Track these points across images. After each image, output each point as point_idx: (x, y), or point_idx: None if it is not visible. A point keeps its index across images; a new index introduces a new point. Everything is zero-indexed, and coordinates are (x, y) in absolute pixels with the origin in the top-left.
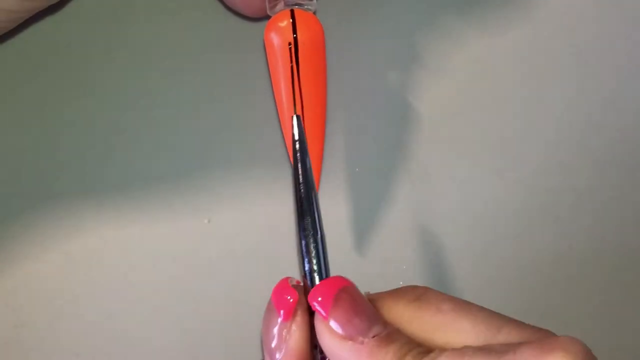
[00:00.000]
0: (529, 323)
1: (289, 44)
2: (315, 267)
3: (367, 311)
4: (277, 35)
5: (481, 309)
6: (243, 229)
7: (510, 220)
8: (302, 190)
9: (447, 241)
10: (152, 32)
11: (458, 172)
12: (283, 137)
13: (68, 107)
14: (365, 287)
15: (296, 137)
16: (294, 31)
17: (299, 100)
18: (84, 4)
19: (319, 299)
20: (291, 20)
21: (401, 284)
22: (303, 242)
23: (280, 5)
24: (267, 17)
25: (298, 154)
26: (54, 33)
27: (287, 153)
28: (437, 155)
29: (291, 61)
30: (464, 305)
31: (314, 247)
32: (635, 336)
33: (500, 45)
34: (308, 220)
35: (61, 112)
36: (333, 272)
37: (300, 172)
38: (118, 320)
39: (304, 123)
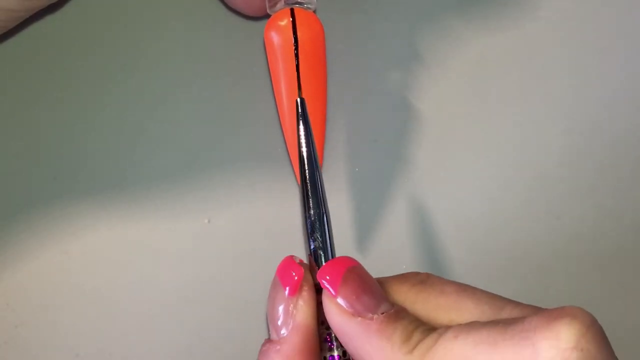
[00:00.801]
0: None
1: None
2: (320, 246)
3: (375, 289)
4: (277, 34)
5: (483, 291)
6: (243, 229)
7: (511, 220)
8: (306, 170)
9: (447, 241)
10: (152, 31)
11: (458, 172)
12: (283, 136)
13: (68, 106)
14: None
15: (300, 118)
16: (294, 30)
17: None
18: (84, 3)
19: (327, 277)
20: (291, 19)
21: None
22: (308, 222)
23: (281, 4)
24: (267, 16)
25: (302, 134)
26: (54, 32)
27: (288, 152)
28: (438, 155)
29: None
30: (466, 287)
31: (319, 226)
32: (635, 337)
33: (501, 44)
34: (313, 199)
35: (61, 111)
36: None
37: (304, 151)
38: (118, 320)
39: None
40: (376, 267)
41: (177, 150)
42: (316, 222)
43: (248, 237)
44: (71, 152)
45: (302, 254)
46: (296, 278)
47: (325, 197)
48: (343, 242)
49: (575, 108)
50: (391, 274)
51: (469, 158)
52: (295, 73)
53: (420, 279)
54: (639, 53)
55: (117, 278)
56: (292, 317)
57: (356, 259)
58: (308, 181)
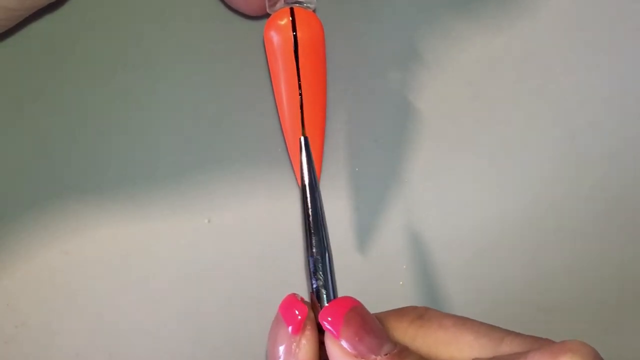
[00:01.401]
0: (529, 321)
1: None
2: (322, 285)
3: (377, 330)
4: (277, 33)
5: (481, 323)
6: (243, 229)
7: (512, 219)
8: (310, 210)
9: (447, 241)
10: (152, 30)
11: (458, 172)
12: (283, 135)
13: (67, 106)
14: (365, 286)
15: (304, 160)
16: (294, 29)
17: (299, 98)
18: (84, 2)
19: (329, 318)
20: (291, 18)
21: (401, 284)
22: (311, 260)
23: (280, 4)
24: (267, 16)
25: (306, 175)
26: (53, 31)
27: (287, 152)
28: (438, 155)
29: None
30: (465, 321)
31: (321, 266)
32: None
33: (501, 44)
34: (316, 239)
35: (60, 111)
36: (335, 273)
37: (308, 192)
38: (118, 320)
39: (303, 124)
40: (376, 268)
41: (176, 150)
42: (319, 262)
43: (248, 237)
44: (70, 152)
45: (301, 255)
46: (300, 317)
47: (328, 236)
48: (343, 242)
49: (576, 107)
50: (390, 274)
51: (469, 158)
52: (295, 72)
53: (418, 314)
54: (638, 52)
55: (117, 278)
56: (295, 356)
57: (356, 259)
58: (311, 221)
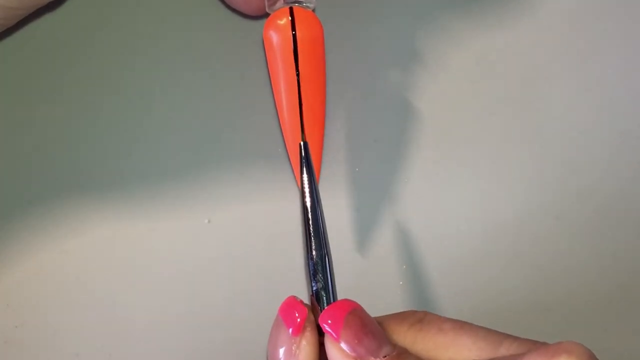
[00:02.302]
0: (529, 321)
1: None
2: (322, 287)
3: (376, 332)
4: (276, 33)
5: (480, 327)
6: (243, 229)
7: (512, 219)
8: (309, 214)
9: (447, 241)
10: (152, 30)
11: (459, 172)
12: (282, 135)
13: (67, 105)
14: (365, 286)
15: (303, 165)
16: (293, 29)
17: (298, 98)
18: (83, 1)
19: (329, 321)
20: (290, 18)
21: (401, 284)
22: (311, 263)
23: (280, 3)
24: (266, 15)
25: (305, 180)
26: (52, 31)
27: (287, 151)
28: (438, 155)
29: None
30: (463, 324)
31: (321, 269)
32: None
33: (501, 44)
34: (316, 242)
35: (60, 110)
36: (335, 273)
37: (308, 197)
38: (118, 320)
39: (303, 123)
40: (376, 268)
41: (176, 150)
42: (318, 264)
43: (248, 237)
44: (70, 152)
45: (301, 254)
46: (299, 320)
47: (328, 239)
48: (343, 242)
49: (576, 106)
50: (390, 274)
51: (469, 158)
52: (295, 72)
53: (417, 318)
54: (638, 52)
55: (116, 278)
56: (295, 357)
57: (356, 259)
58: (311, 224)
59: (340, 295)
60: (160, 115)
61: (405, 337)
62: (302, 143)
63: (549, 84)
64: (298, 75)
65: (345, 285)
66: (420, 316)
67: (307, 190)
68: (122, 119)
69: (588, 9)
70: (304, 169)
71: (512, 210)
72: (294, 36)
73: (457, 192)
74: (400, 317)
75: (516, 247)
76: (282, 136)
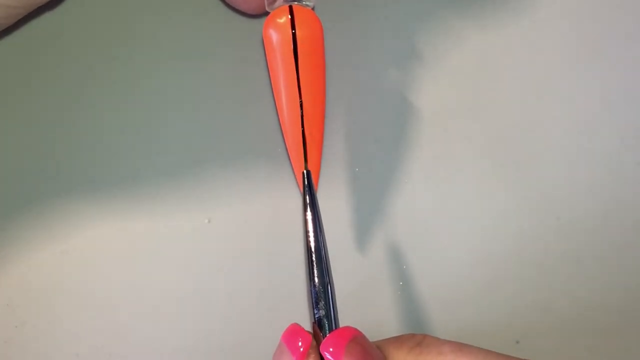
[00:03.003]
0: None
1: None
2: (325, 315)
3: (378, 359)
4: (276, 31)
5: (479, 349)
6: (243, 229)
7: (511, 218)
8: (312, 242)
9: (447, 241)
10: (152, 29)
11: (459, 171)
12: (282, 134)
13: (66, 105)
14: (365, 286)
15: (306, 191)
16: (293, 27)
17: (299, 97)
18: (83, 0)
19: (331, 349)
20: (290, 16)
21: (401, 284)
22: (313, 291)
23: (279, 2)
24: (266, 14)
25: (308, 207)
26: (52, 30)
27: (287, 151)
28: (438, 155)
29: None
30: (462, 347)
31: (323, 296)
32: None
33: (501, 43)
34: (318, 270)
35: (60, 110)
36: (335, 273)
37: (310, 224)
38: (118, 320)
39: (303, 120)
40: (376, 268)
41: (176, 150)
42: (321, 292)
43: (248, 237)
44: (70, 152)
45: (301, 255)
46: (302, 349)
47: (330, 267)
48: (343, 242)
49: (575, 105)
50: (390, 274)
51: (469, 157)
52: (294, 70)
53: (416, 341)
54: (638, 51)
55: (116, 278)
56: None
57: (356, 259)
58: (314, 252)
59: (340, 295)
60: (160, 115)
61: None
62: (304, 172)
63: (549, 83)
64: (298, 73)
65: (345, 286)
66: (419, 339)
67: (309, 218)
68: (122, 119)
69: (588, 9)
70: (307, 197)
71: (512, 210)
72: (294, 35)
73: (457, 192)
74: (399, 341)
75: (517, 244)
76: (282, 135)
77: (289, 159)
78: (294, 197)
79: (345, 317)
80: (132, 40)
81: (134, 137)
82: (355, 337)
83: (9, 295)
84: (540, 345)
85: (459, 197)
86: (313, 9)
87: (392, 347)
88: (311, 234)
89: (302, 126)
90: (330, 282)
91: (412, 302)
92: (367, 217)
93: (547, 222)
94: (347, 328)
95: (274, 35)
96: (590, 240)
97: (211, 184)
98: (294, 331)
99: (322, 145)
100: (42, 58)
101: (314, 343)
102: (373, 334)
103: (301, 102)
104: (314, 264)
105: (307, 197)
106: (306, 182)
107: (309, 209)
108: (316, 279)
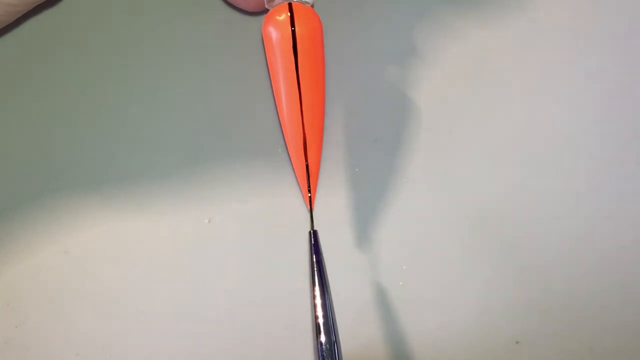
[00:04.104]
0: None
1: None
2: None
3: None
4: (275, 29)
5: None
6: (243, 228)
7: (511, 217)
8: (319, 302)
9: (447, 240)
10: (151, 27)
11: (458, 171)
12: (282, 133)
13: (67, 103)
14: (365, 286)
15: (312, 251)
16: (292, 25)
17: (298, 94)
18: None
19: None
20: (289, 13)
21: (401, 284)
22: (320, 350)
23: None
24: (265, 11)
25: (316, 275)
26: (52, 27)
27: (287, 150)
28: (438, 154)
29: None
30: None
31: (330, 355)
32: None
33: (501, 41)
34: (325, 329)
35: (60, 108)
36: (335, 274)
37: (317, 291)
38: (118, 320)
39: (303, 120)
40: (376, 268)
41: (176, 149)
42: (327, 351)
43: (248, 237)
44: (69, 151)
45: (301, 254)
46: None
47: (337, 326)
48: (343, 242)
49: (575, 103)
50: (391, 274)
51: (469, 157)
52: (294, 68)
53: None
54: (638, 49)
55: (117, 278)
56: None
57: (356, 259)
58: (322, 322)
59: (339, 297)
60: (160, 114)
61: None
62: (311, 231)
63: (548, 81)
64: (297, 71)
65: (345, 286)
66: None
67: (317, 284)
68: (122, 118)
69: (587, 6)
70: (313, 257)
71: (512, 209)
72: (293, 32)
73: (457, 192)
74: None
75: (517, 244)
76: (282, 134)
77: (289, 158)
78: (294, 197)
79: (345, 317)
80: (131, 39)
81: (134, 137)
82: None
83: (9, 295)
84: (540, 345)
85: (459, 197)
86: (312, 6)
87: None
88: (318, 295)
89: (302, 124)
90: (337, 341)
91: (412, 302)
92: (367, 217)
93: (547, 222)
94: None
95: (273, 33)
96: (590, 240)
97: (211, 184)
98: None
99: (322, 143)
100: (42, 56)
101: None
102: (372, 333)
103: (301, 100)
104: (321, 323)
105: (314, 257)
106: (313, 242)
107: (317, 276)
108: (323, 338)
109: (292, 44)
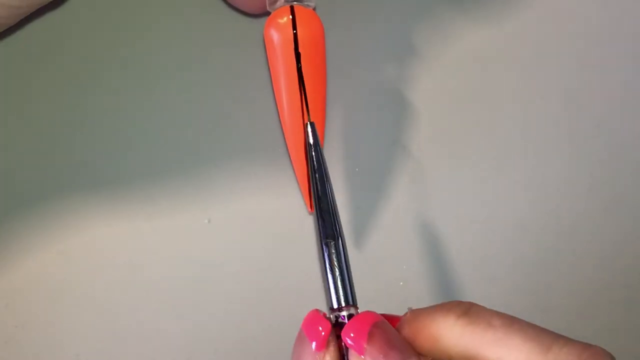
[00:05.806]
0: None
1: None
2: (342, 294)
3: (401, 345)
4: (277, 31)
5: (529, 324)
6: (243, 228)
7: (511, 217)
8: (320, 199)
9: (447, 240)
10: (153, 28)
11: (458, 170)
12: (283, 134)
13: (67, 104)
14: (365, 286)
15: (311, 144)
16: (294, 27)
17: (300, 97)
18: (84, 1)
19: (352, 334)
20: (291, 16)
21: (401, 284)
22: (325, 250)
23: (280, 2)
24: (267, 14)
25: (315, 161)
26: (54, 29)
27: (287, 151)
28: (437, 154)
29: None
30: (513, 321)
31: (336, 258)
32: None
33: (500, 40)
34: (333, 251)
35: (60, 109)
36: None
37: (319, 192)
38: (118, 320)
39: (304, 121)
40: (376, 267)
41: (176, 150)
42: (332, 245)
43: (248, 237)
44: (69, 152)
45: (301, 254)
46: (323, 333)
47: (348, 255)
48: None
49: (573, 102)
50: (391, 274)
51: (469, 156)
52: (295, 71)
53: (463, 310)
54: (638, 49)
55: (116, 278)
56: None
57: (356, 258)
58: (321, 208)
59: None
60: (161, 114)
61: (452, 330)
62: (308, 123)
63: (548, 80)
64: (299, 73)
65: None
66: (467, 306)
67: (316, 166)
68: (123, 118)
69: (586, 6)
70: (312, 151)
71: (512, 209)
72: (295, 35)
73: (457, 192)
74: (446, 308)
75: (517, 245)
76: (283, 135)
77: (290, 159)
78: (295, 197)
79: None
80: (133, 40)
81: (134, 137)
82: (377, 323)
83: (9, 296)
84: None
85: (459, 197)
86: (314, 9)
87: (439, 315)
88: (319, 188)
89: (304, 125)
90: (346, 262)
91: (412, 302)
92: (367, 217)
93: (548, 222)
94: (369, 313)
95: (275, 36)
96: (590, 239)
97: (211, 184)
98: (313, 318)
99: (323, 144)
100: (44, 57)
101: (334, 330)
102: None
103: (302, 101)
104: (322, 215)
105: (314, 153)
106: (310, 135)
107: (318, 182)
108: (331, 262)
109: (293, 46)
